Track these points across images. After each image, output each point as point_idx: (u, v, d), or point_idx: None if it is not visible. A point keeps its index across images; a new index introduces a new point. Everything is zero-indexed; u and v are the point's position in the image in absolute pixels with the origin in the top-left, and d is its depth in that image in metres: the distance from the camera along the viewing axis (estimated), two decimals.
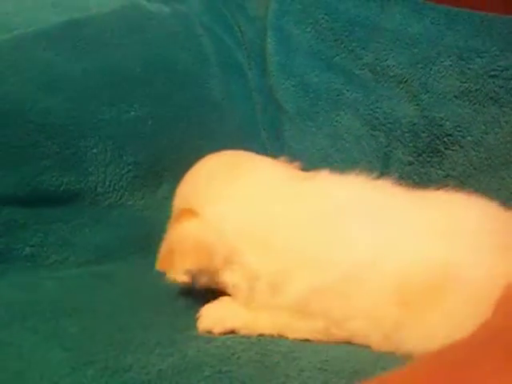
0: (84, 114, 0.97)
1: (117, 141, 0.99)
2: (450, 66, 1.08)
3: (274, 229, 0.78)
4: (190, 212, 0.80)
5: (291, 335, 0.76)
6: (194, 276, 0.79)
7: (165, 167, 1.05)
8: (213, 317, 0.79)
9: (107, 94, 1.01)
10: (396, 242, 0.74)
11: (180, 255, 0.78)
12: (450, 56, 1.08)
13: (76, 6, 1.11)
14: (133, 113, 1.02)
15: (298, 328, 0.76)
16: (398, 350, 0.71)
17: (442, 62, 1.09)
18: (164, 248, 0.80)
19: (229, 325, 0.78)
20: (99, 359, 0.64)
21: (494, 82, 1.04)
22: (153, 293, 0.85)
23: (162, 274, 0.79)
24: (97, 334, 0.71)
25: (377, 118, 1.12)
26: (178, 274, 0.78)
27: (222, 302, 0.82)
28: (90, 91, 0.99)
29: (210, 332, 0.77)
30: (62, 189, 0.93)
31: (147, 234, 0.98)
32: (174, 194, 0.87)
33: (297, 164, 0.87)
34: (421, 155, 1.08)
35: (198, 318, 0.78)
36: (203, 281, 0.81)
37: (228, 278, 0.79)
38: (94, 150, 0.97)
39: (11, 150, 0.89)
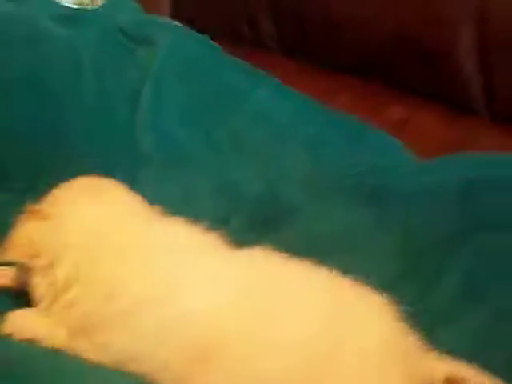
0: None
1: None
2: (299, 149, 1.18)
3: (101, 254, 0.83)
4: (39, 212, 0.85)
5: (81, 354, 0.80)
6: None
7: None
8: (16, 324, 0.82)
9: None
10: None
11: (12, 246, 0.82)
12: (301, 140, 1.19)
13: None
14: None
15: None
16: None
17: (292, 144, 1.19)
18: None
19: (28, 335, 0.81)
20: None
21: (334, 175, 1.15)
22: None
23: None
24: None
25: (223, 189, 1.18)
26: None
27: (30, 311, 0.85)
28: None
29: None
30: None
31: None
32: None
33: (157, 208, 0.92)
34: (254, 226, 1.14)
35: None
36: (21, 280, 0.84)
37: (38, 283, 0.83)
38: None
39: None
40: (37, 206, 0.88)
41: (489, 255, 1.00)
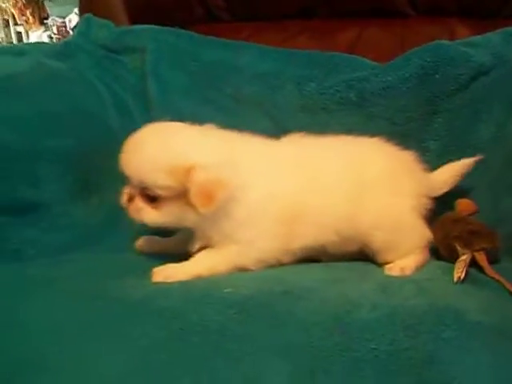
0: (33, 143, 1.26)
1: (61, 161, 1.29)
2: (291, 89, 1.50)
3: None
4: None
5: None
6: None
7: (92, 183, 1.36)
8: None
9: (45, 129, 1.30)
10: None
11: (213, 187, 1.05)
12: (290, 82, 1.50)
13: None
14: (65, 143, 1.32)
15: None
16: None
17: (285, 87, 1.50)
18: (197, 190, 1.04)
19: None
20: None
21: (323, 98, 1.46)
22: None
23: None
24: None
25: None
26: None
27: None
28: (34, 127, 1.28)
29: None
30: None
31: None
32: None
33: None
34: None
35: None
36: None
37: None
38: (47, 170, 1.26)
39: None
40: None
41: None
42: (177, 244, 1.23)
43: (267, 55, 1.54)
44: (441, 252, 1.12)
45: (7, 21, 6.23)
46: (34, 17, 6.11)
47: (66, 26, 5.55)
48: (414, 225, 1.16)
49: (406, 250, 1.14)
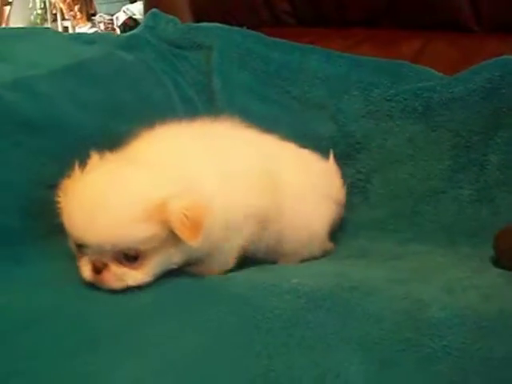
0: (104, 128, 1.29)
1: None
2: (357, 94, 1.52)
3: None
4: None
5: None
6: None
7: None
8: None
9: (116, 115, 1.34)
10: None
11: None
12: (356, 88, 1.52)
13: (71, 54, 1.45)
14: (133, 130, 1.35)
15: None
16: None
17: (350, 92, 1.52)
18: None
19: None
20: None
21: (388, 105, 1.48)
22: None
23: None
24: None
25: (304, 135, 1.50)
26: None
27: None
28: (105, 112, 1.32)
29: None
30: None
31: None
32: None
33: None
34: (339, 159, 1.47)
35: None
36: None
37: None
38: None
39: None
40: None
41: None
42: None
43: (334, 60, 1.57)
44: (503, 262, 1.13)
45: (55, 15, 6.34)
46: (81, 12, 6.22)
47: (113, 24, 5.63)
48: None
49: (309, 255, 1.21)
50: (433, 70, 1.52)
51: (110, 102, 1.34)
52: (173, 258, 0.97)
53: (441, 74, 1.51)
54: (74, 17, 6.23)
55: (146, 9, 1.91)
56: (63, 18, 6.26)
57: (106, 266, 0.94)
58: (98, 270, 0.94)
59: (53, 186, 1.07)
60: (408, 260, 1.18)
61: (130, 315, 0.90)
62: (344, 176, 1.44)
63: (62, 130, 1.21)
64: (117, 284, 0.94)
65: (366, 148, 1.48)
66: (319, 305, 0.90)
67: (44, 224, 1.13)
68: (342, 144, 1.50)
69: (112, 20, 5.57)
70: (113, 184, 0.94)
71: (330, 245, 1.27)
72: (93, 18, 5.99)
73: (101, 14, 5.79)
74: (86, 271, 0.95)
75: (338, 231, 1.33)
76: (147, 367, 0.78)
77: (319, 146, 1.46)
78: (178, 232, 0.92)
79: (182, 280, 1.00)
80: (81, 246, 0.95)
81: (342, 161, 1.47)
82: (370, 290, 0.96)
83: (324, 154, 1.43)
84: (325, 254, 1.26)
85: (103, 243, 0.92)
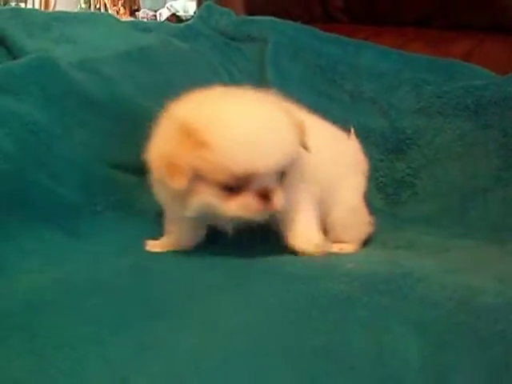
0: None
1: None
2: (409, 91, 1.54)
3: None
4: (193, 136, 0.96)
5: None
6: None
7: None
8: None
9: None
10: None
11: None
12: (408, 84, 1.54)
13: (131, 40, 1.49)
14: None
15: None
16: None
17: (403, 88, 1.54)
18: None
19: None
20: None
21: (440, 102, 1.50)
22: None
23: None
24: None
25: (356, 129, 1.53)
26: None
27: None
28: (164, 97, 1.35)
29: None
30: None
31: None
32: None
33: None
34: (389, 154, 1.50)
35: None
36: None
37: None
38: None
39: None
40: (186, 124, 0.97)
41: None
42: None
43: (387, 56, 1.60)
44: None
45: (99, 9, 6.41)
46: (125, 8, 6.28)
47: (156, 20, 5.68)
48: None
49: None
50: (485, 69, 1.54)
51: (168, 86, 1.37)
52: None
53: (493, 74, 1.52)
54: (118, 12, 6.29)
55: (200, 0, 1.94)
56: None
57: (272, 191, 0.98)
58: (268, 197, 0.98)
59: (114, 165, 1.11)
60: (456, 253, 1.19)
61: (187, 290, 0.94)
62: (394, 171, 1.46)
63: (125, 111, 1.25)
64: (281, 205, 0.99)
65: (416, 144, 1.50)
66: (374, 288, 0.92)
67: (103, 200, 1.17)
68: (393, 139, 1.52)
69: (155, 16, 5.62)
70: (265, 113, 0.99)
71: (371, 220, 1.26)
72: (136, 13, 6.04)
73: (144, 10, 5.85)
74: (254, 204, 0.98)
75: (386, 224, 1.34)
76: (203, 338, 0.80)
77: (370, 140, 1.48)
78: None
79: (240, 260, 1.04)
80: (240, 182, 0.97)
81: (392, 155, 1.49)
82: (422, 276, 0.97)
83: (374, 147, 1.45)
84: (372, 240, 1.27)
85: (276, 166, 0.97)
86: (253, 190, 0.97)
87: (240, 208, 0.98)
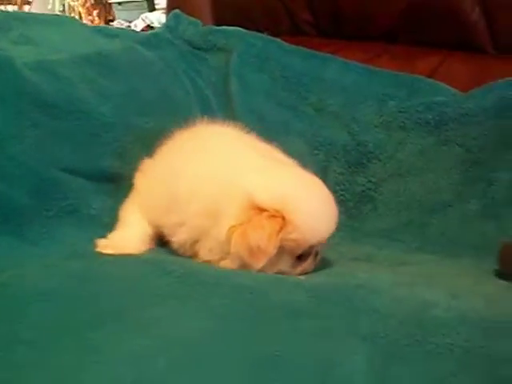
0: (122, 118, 1.31)
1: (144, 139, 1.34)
2: (372, 105, 1.54)
3: None
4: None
5: None
6: None
7: None
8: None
9: (134, 107, 1.36)
10: None
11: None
12: (371, 98, 1.54)
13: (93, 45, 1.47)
14: (150, 124, 1.37)
15: None
16: None
17: (366, 102, 1.54)
18: None
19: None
20: None
21: (402, 116, 1.50)
22: None
23: None
24: None
25: (318, 142, 1.52)
26: None
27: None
28: (125, 104, 1.34)
29: None
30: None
31: None
32: None
33: None
34: (350, 167, 1.49)
35: None
36: None
37: None
38: (131, 145, 1.31)
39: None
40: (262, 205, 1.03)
41: None
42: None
43: (352, 70, 1.59)
44: (506, 275, 1.14)
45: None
46: (99, 18, 6.27)
47: None
48: None
49: None
50: (448, 86, 1.54)
51: (128, 93, 1.36)
52: None
53: (455, 91, 1.52)
54: (92, 21, 6.27)
55: (168, 10, 1.93)
56: None
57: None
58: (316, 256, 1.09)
59: (67, 169, 1.08)
60: (413, 267, 1.19)
61: (134, 297, 0.93)
62: (354, 184, 1.46)
63: (81, 115, 1.23)
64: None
65: (377, 158, 1.49)
66: (325, 299, 0.92)
67: (55, 205, 1.15)
68: (354, 153, 1.52)
69: (130, 27, 5.61)
70: (318, 181, 1.12)
71: None
72: (111, 23, 6.03)
73: (119, 21, 5.84)
74: (312, 265, 1.10)
75: (346, 237, 1.33)
76: (148, 345, 0.79)
77: (331, 154, 1.47)
78: None
79: (190, 269, 1.02)
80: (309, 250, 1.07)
81: (353, 169, 1.49)
82: (375, 288, 0.97)
83: (335, 161, 1.44)
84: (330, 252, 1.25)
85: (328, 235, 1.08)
86: (313, 253, 1.09)
87: (303, 271, 1.08)
